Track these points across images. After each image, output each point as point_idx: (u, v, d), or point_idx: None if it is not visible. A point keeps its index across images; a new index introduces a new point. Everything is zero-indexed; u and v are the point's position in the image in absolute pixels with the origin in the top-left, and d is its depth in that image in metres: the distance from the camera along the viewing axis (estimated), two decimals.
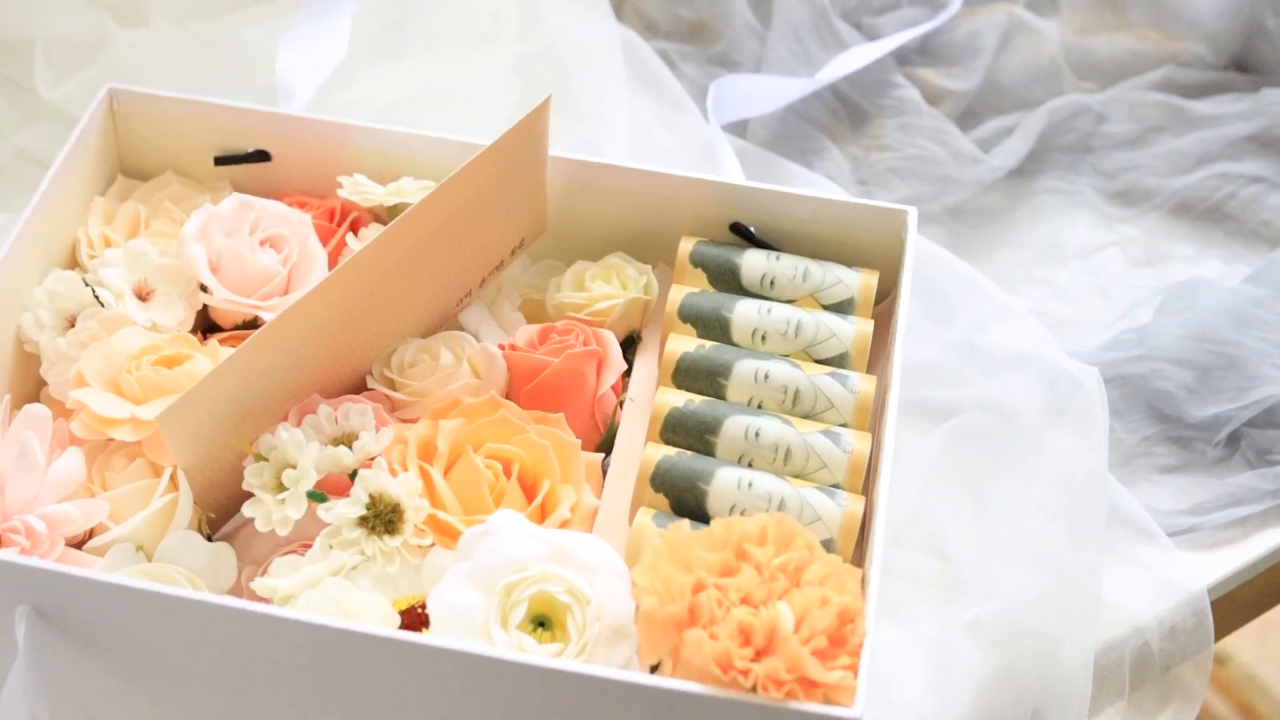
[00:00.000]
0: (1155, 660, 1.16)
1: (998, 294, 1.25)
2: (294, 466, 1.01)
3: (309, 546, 1.04)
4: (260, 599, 1.01)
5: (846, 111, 1.42)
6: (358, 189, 1.16)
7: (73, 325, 1.12)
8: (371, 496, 1.00)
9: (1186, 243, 1.40)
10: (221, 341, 1.12)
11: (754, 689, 0.91)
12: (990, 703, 1.11)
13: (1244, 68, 1.50)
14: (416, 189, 1.16)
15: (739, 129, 1.39)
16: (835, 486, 1.05)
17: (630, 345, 1.16)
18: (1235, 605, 1.22)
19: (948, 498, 1.18)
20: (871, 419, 1.09)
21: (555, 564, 0.97)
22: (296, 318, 1.01)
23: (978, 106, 1.45)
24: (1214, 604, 1.18)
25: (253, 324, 1.15)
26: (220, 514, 1.07)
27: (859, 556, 1.04)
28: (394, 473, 1.03)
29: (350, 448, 1.03)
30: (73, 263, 1.18)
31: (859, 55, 1.41)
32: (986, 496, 1.18)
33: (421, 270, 1.08)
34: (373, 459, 1.03)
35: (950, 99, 1.44)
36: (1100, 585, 1.12)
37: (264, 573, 1.03)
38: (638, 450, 1.10)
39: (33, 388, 1.14)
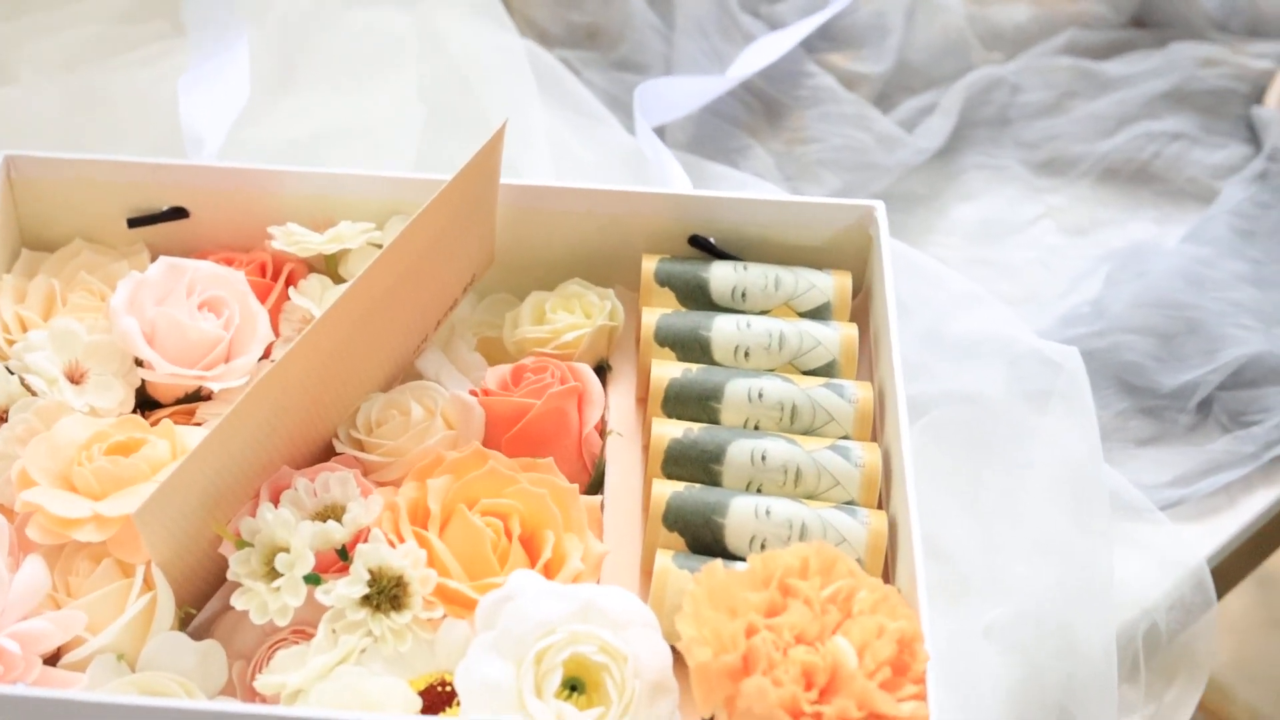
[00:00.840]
0: (1163, 638, 1.13)
1: (956, 280, 1.21)
2: (286, 550, 0.93)
3: (301, 634, 0.96)
4: (263, 698, 0.93)
5: (763, 106, 1.37)
6: (293, 239, 1.08)
7: (2, 420, 1.02)
8: (373, 572, 0.93)
9: (1116, 207, 1.38)
10: (173, 419, 1.03)
11: None
12: (1015, 710, 1.07)
13: (1144, 24, 1.48)
14: (356, 233, 1.08)
15: (657, 132, 1.33)
16: (850, 503, 1.00)
17: (599, 376, 1.09)
18: (1228, 567, 1.20)
19: (936, 498, 1.14)
20: (873, 426, 1.04)
21: (584, 622, 0.91)
22: (259, 397, 0.93)
23: (890, 89, 1.42)
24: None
25: (195, 396, 1.06)
26: (197, 607, 0.99)
27: (887, 574, 0.99)
28: (391, 543, 0.95)
29: (340, 521, 0.95)
30: None
31: (767, 46, 1.36)
32: (977, 492, 1.14)
33: (383, 322, 1.01)
34: (364, 531, 0.96)
35: (864, 83, 1.40)
36: (1112, 568, 1.09)
37: (261, 669, 0.95)
38: (632, 487, 1.04)
39: None
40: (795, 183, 1.34)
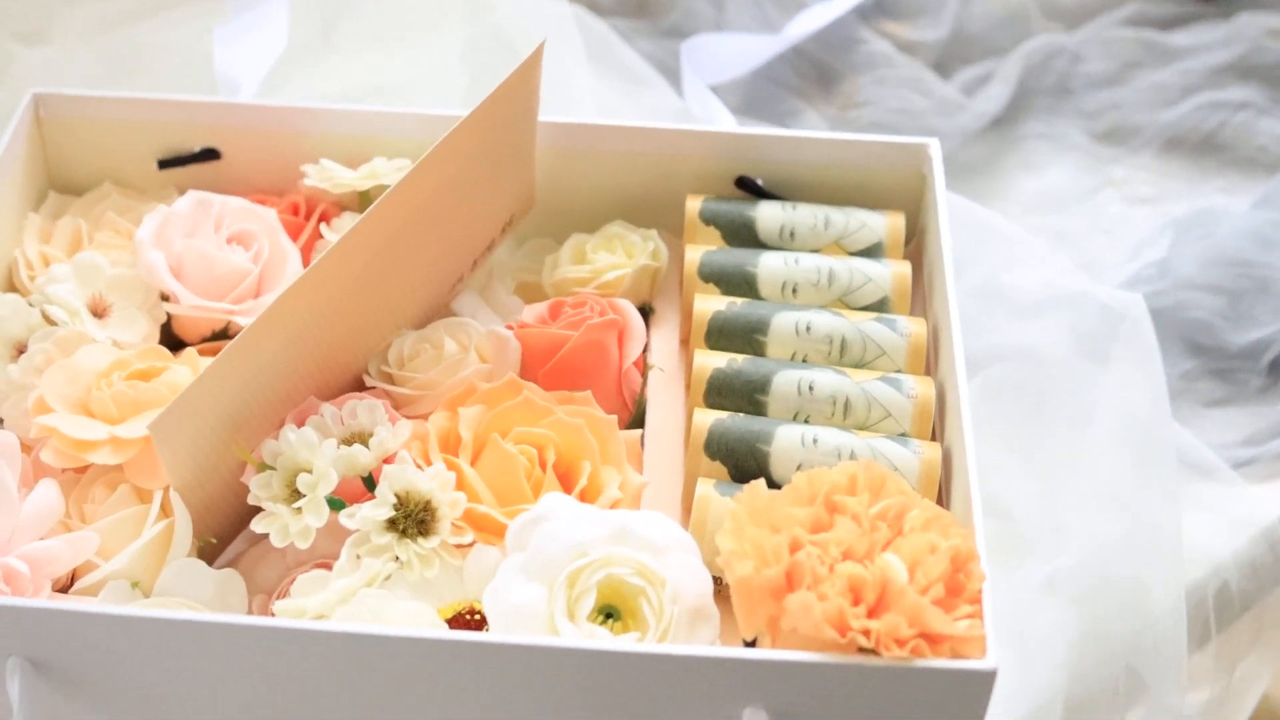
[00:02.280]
0: (1235, 600, 1.07)
1: (1014, 232, 1.16)
2: (308, 470, 0.89)
3: (325, 566, 0.91)
4: None
5: (815, 71, 1.33)
6: (326, 175, 1.05)
7: (20, 353, 0.99)
8: (399, 496, 0.89)
9: (1182, 178, 1.33)
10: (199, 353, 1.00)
11: (875, 649, 0.80)
12: (1078, 666, 1.01)
13: None
14: (392, 170, 1.05)
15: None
16: (903, 436, 0.95)
17: (642, 317, 1.05)
18: None
19: (994, 455, 1.08)
20: (926, 362, 0.99)
21: (619, 545, 0.86)
22: (283, 312, 0.89)
23: (946, 58, 1.38)
24: None
25: (223, 334, 1.03)
26: (218, 540, 0.95)
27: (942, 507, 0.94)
28: (419, 467, 0.91)
29: (366, 446, 0.91)
30: (9, 288, 1.05)
31: (820, 13, 1.32)
32: (1037, 449, 1.08)
33: (408, 255, 0.97)
34: (392, 457, 0.92)
35: (920, 51, 1.36)
36: (1180, 522, 1.03)
37: (283, 595, 0.90)
38: (674, 425, 0.99)
39: None
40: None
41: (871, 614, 0.81)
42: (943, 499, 0.94)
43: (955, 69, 1.37)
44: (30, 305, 1.00)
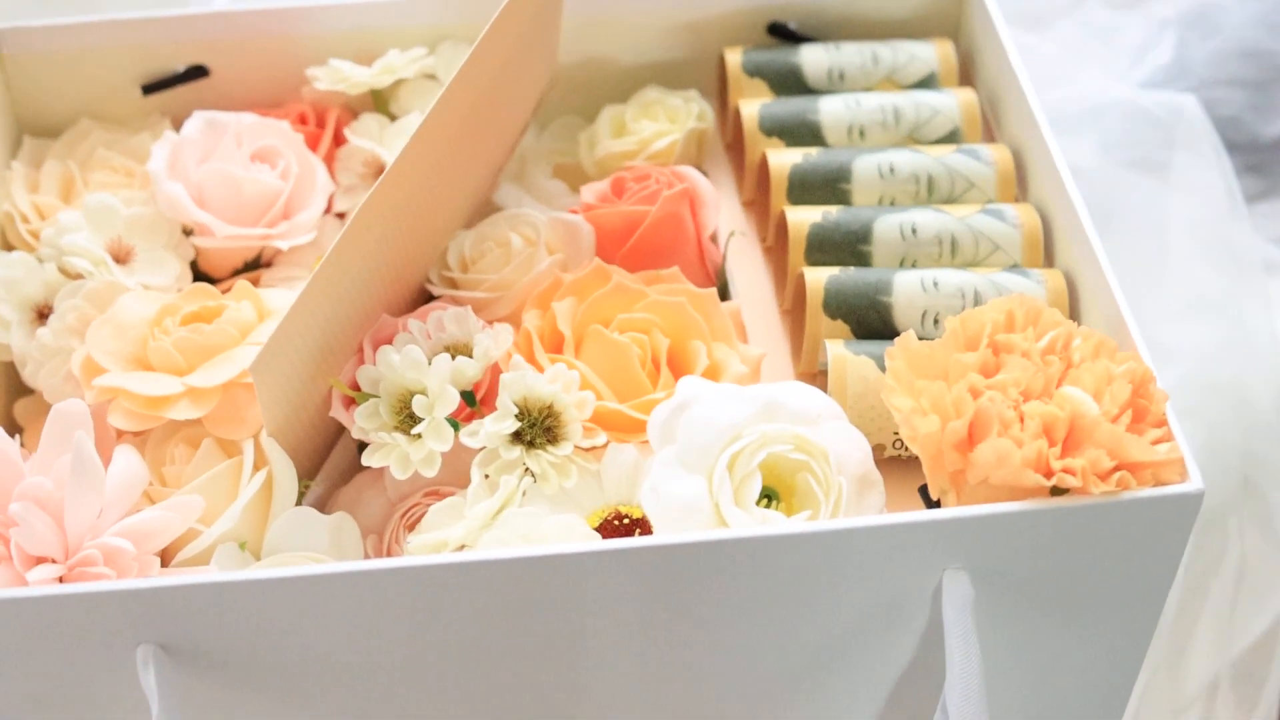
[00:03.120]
0: None
1: (1044, 47, 1.11)
2: (420, 392, 0.81)
3: (435, 495, 0.84)
4: None
5: None
6: (339, 76, 0.95)
7: (42, 316, 0.89)
8: (520, 405, 0.81)
9: None
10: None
11: (1080, 489, 0.75)
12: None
13: None
14: (407, 61, 0.96)
15: None
16: (1015, 267, 0.90)
17: None
18: None
19: None
20: (1016, 190, 0.94)
21: (771, 422, 0.80)
22: (361, 228, 0.80)
23: None
24: None
25: (255, 263, 0.94)
26: (307, 475, 0.87)
27: None
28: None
29: (470, 356, 0.83)
30: (4, 247, 0.94)
31: None
32: (1113, 265, 1.04)
33: (461, 152, 0.88)
34: (495, 366, 0.84)
35: None
36: (1274, 323, 1.00)
37: (399, 539, 0.82)
38: (762, 287, 0.93)
39: (3, 408, 0.91)
40: None
41: (1066, 451, 0.76)
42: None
43: None
44: (40, 261, 0.90)
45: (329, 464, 0.89)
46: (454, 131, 0.85)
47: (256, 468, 0.82)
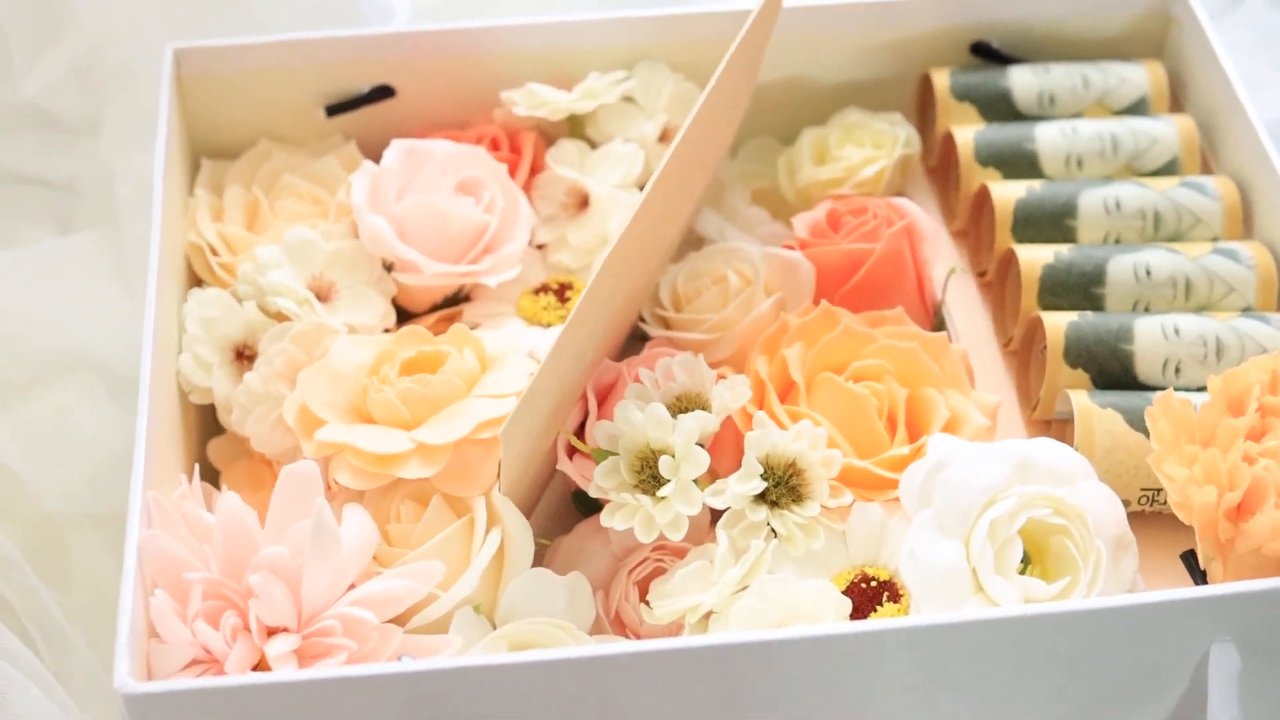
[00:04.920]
0: None
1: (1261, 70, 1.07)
2: (665, 451, 0.78)
3: (666, 550, 0.81)
4: (637, 633, 0.78)
5: None
6: (537, 100, 0.92)
7: (241, 356, 0.85)
8: (764, 463, 0.78)
9: None
10: (433, 329, 0.87)
11: None
12: None
13: None
14: (607, 85, 0.92)
15: None
16: (1248, 310, 0.87)
17: None
18: None
19: None
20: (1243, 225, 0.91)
21: (1026, 483, 0.77)
22: (605, 280, 0.77)
23: None
24: None
25: (455, 299, 0.90)
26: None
27: None
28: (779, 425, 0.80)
29: (707, 409, 0.80)
30: (192, 281, 0.91)
31: None
32: None
33: (683, 187, 0.85)
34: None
35: None
36: None
37: (628, 599, 0.79)
38: (981, 327, 0.90)
39: (194, 451, 0.87)
40: None
41: None
42: None
43: None
44: (237, 299, 0.86)
45: (541, 504, 0.86)
46: (681, 170, 0.82)
47: (489, 526, 0.79)
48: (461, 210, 0.87)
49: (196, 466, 0.82)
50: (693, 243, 0.93)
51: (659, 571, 0.80)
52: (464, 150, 0.89)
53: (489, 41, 0.93)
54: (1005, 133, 0.92)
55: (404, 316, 0.90)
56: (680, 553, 0.81)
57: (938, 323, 0.90)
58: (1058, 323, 0.84)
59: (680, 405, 0.81)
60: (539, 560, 0.83)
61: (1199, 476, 0.74)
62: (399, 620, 0.78)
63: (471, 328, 0.88)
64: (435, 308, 0.90)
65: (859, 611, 0.77)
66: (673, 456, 0.77)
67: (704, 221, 0.93)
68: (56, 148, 1.03)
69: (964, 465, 0.77)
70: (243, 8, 1.02)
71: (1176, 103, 0.98)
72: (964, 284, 0.92)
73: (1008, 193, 0.89)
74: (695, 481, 0.78)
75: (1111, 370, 0.84)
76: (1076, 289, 0.86)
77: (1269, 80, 1.08)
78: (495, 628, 0.78)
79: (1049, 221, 0.89)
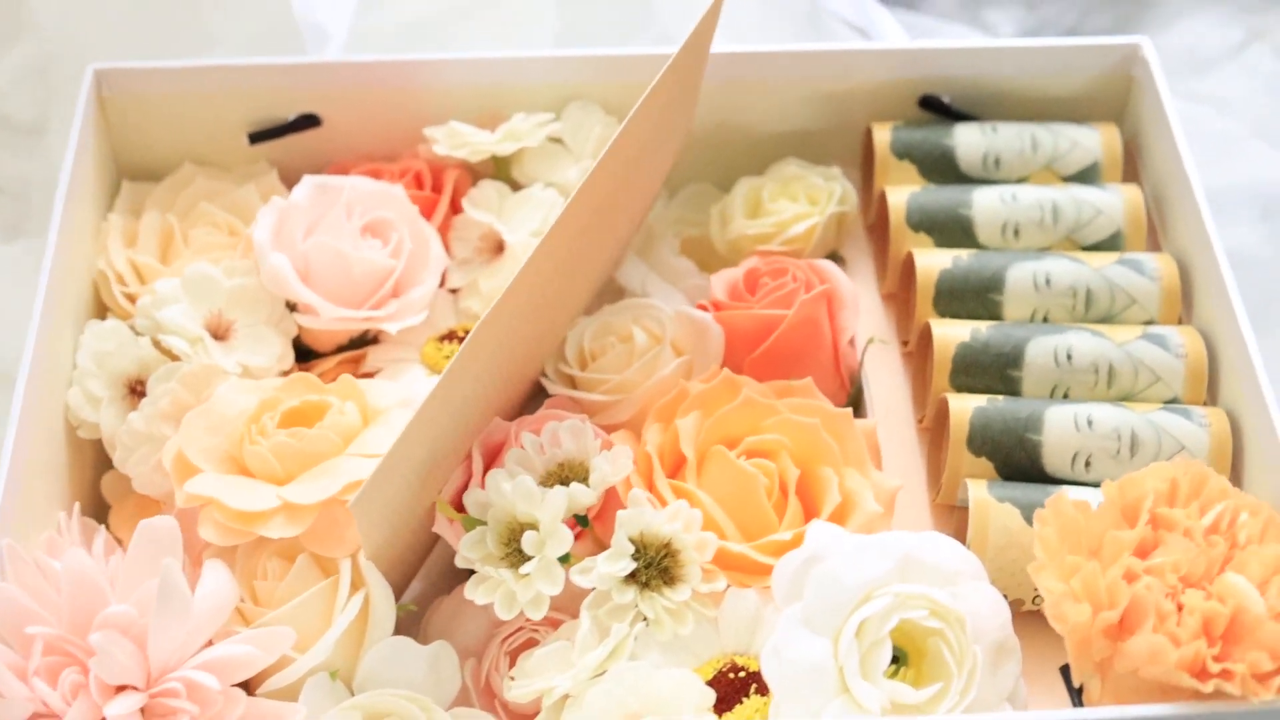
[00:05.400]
0: None
1: (1201, 123, 1.03)
2: (531, 526, 0.75)
3: (544, 621, 0.78)
4: (509, 709, 0.76)
5: None
6: (459, 140, 0.89)
7: (134, 392, 0.84)
8: (636, 542, 0.76)
9: None
10: (337, 370, 0.86)
11: (1239, 696, 0.69)
12: None
13: None
14: (532, 127, 0.90)
15: None
16: (1173, 402, 0.83)
17: None
18: None
19: None
20: (1180, 306, 0.87)
21: (906, 581, 0.74)
22: (483, 340, 0.75)
23: None
24: None
25: (361, 340, 0.88)
26: (400, 592, 0.82)
27: (1235, 484, 0.82)
28: (653, 503, 0.78)
29: (585, 481, 0.78)
30: (99, 307, 0.89)
31: None
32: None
33: (596, 233, 0.82)
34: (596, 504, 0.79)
35: None
36: None
37: (498, 669, 0.77)
38: (899, 402, 0.87)
39: (86, 484, 0.86)
40: (977, 15, 1.15)
41: (1226, 650, 0.70)
42: (1235, 471, 0.82)
43: None
44: (136, 332, 0.85)
45: (428, 564, 0.84)
46: (589, 218, 0.79)
47: (353, 589, 0.77)
48: (364, 254, 0.85)
49: (77, 505, 0.81)
50: (615, 293, 0.90)
51: (532, 642, 0.78)
52: (377, 189, 0.87)
53: (418, 75, 0.91)
54: (941, 196, 0.89)
55: (309, 355, 0.88)
56: (556, 623, 0.79)
57: (855, 393, 0.87)
58: (964, 407, 0.81)
59: (562, 474, 0.79)
60: (420, 620, 0.82)
61: (1077, 591, 0.71)
62: (258, 679, 0.76)
63: (372, 373, 0.87)
64: (341, 349, 0.88)
65: (724, 703, 0.74)
66: (538, 531, 0.75)
67: (627, 271, 0.90)
68: (7, 152, 1.02)
69: (840, 559, 0.74)
70: (197, 24, 1.00)
71: (1132, 169, 0.94)
72: (888, 353, 0.89)
73: (932, 263, 0.86)
74: (566, 557, 0.76)
75: (1017, 460, 0.81)
76: (991, 370, 0.83)
77: (1243, 142, 1.04)
78: (353, 694, 0.76)
79: (973, 295, 0.86)
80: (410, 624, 0.82)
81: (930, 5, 1.14)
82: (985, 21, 1.17)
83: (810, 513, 0.80)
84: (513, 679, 0.75)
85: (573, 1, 1.06)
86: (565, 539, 0.75)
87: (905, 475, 0.84)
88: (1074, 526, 0.73)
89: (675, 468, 0.80)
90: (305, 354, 0.88)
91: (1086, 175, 0.91)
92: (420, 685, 0.76)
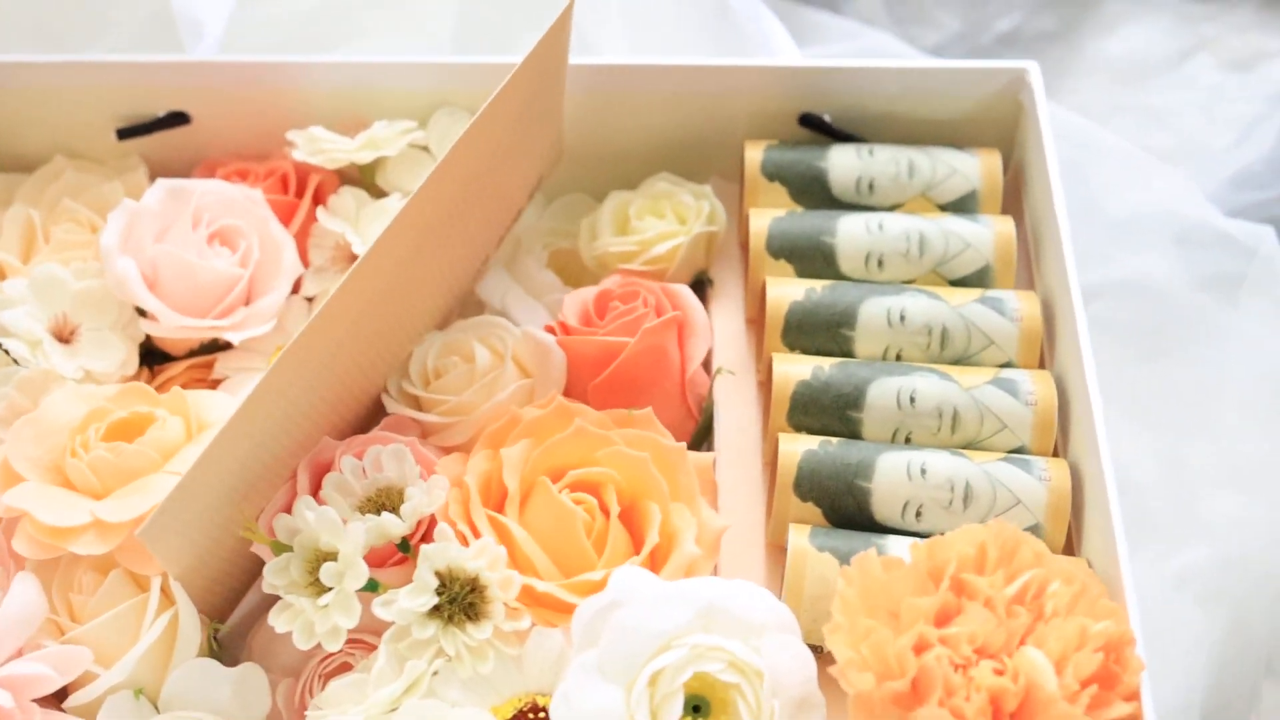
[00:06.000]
0: None
1: (1115, 143, 1.01)
2: (332, 557, 0.75)
3: (361, 644, 0.78)
4: None
5: None
6: (318, 147, 0.88)
7: None
8: (441, 576, 0.75)
9: None
10: (188, 373, 0.85)
11: None
12: (1214, 669, 0.89)
13: None
14: (394, 135, 0.89)
15: None
16: (1020, 451, 0.81)
17: (698, 292, 0.90)
18: None
19: (1109, 413, 0.94)
20: (1042, 349, 0.85)
21: (707, 632, 0.73)
22: (302, 354, 0.74)
23: None
24: None
25: (212, 346, 0.88)
26: (226, 610, 0.82)
27: (1072, 542, 0.80)
28: (462, 539, 0.77)
29: (397, 511, 0.77)
30: None
31: None
32: (1159, 404, 0.94)
33: (441, 246, 0.81)
34: (421, 526, 0.78)
35: None
36: None
37: (312, 692, 0.77)
38: (749, 435, 0.85)
39: None
40: (906, 26, 1.13)
41: None
42: (1074, 527, 0.80)
43: None
44: None
45: (259, 587, 0.84)
46: (436, 223, 0.78)
47: (162, 607, 0.77)
48: (210, 263, 0.85)
49: None
50: (477, 306, 0.89)
51: (346, 666, 0.78)
52: (231, 194, 0.87)
53: (288, 77, 0.90)
54: (804, 222, 0.87)
55: (166, 358, 0.88)
56: (371, 648, 0.78)
57: (705, 423, 0.86)
58: (792, 450, 0.79)
59: (380, 500, 0.78)
60: (241, 637, 0.82)
61: (866, 657, 0.70)
62: (61, 694, 0.77)
63: (217, 381, 0.86)
64: (192, 353, 0.88)
65: None
66: (335, 562, 0.75)
67: (488, 283, 0.89)
68: None
69: (640, 606, 0.73)
70: (96, 13, 1.00)
71: (1015, 200, 0.91)
72: (743, 383, 0.87)
73: (783, 294, 0.84)
74: (374, 585, 0.75)
75: (845, 507, 0.79)
76: (831, 411, 0.81)
77: (1171, 161, 1.01)
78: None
79: (824, 329, 0.84)
80: (235, 640, 0.81)
81: (855, 8, 1.11)
82: (919, 21, 1.15)
83: (633, 552, 0.79)
84: (313, 711, 0.75)
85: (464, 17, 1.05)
86: (361, 572, 0.74)
87: (749, 511, 0.83)
88: (877, 587, 0.72)
89: (498, 501, 0.79)
90: (161, 356, 0.88)
91: (963, 204, 0.89)
92: (225, 707, 0.76)
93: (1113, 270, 0.98)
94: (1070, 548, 0.80)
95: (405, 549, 0.78)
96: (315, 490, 0.79)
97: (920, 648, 0.70)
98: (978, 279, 0.86)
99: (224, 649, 0.81)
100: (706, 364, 0.87)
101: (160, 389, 0.86)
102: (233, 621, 0.82)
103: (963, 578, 0.72)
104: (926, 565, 0.72)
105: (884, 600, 0.71)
